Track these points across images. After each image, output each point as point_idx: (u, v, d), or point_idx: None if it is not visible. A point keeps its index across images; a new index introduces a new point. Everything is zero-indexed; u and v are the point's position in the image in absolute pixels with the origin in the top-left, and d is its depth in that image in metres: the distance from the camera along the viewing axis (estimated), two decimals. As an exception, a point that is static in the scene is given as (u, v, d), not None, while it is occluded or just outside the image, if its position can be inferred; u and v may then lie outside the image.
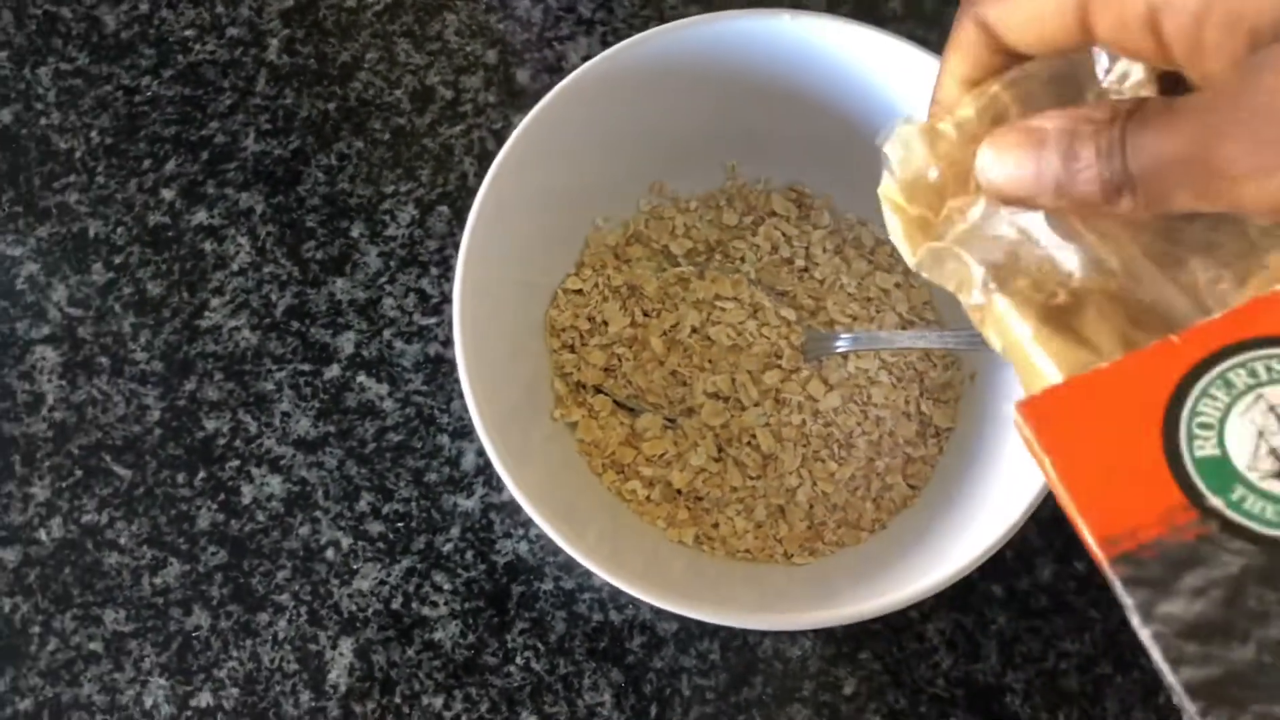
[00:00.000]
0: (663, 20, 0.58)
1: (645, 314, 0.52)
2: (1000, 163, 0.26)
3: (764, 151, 0.53)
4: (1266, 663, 0.23)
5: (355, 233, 0.55)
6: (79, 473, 0.52)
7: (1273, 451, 0.24)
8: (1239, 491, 0.24)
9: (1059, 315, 0.28)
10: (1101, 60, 0.29)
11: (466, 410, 0.45)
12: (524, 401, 0.50)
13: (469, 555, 0.51)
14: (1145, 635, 0.24)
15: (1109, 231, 0.28)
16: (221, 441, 0.53)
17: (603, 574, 0.42)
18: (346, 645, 0.50)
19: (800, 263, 0.52)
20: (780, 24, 0.46)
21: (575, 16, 0.58)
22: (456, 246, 0.55)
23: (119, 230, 0.55)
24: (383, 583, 0.51)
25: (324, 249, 0.55)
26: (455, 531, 0.51)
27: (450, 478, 0.52)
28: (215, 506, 0.52)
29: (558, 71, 0.57)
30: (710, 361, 0.50)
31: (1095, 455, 0.25)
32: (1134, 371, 0.25)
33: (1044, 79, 0.28)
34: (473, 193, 0.55)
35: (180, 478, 0.52)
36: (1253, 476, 0.24)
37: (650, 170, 0.53)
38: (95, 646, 0.50)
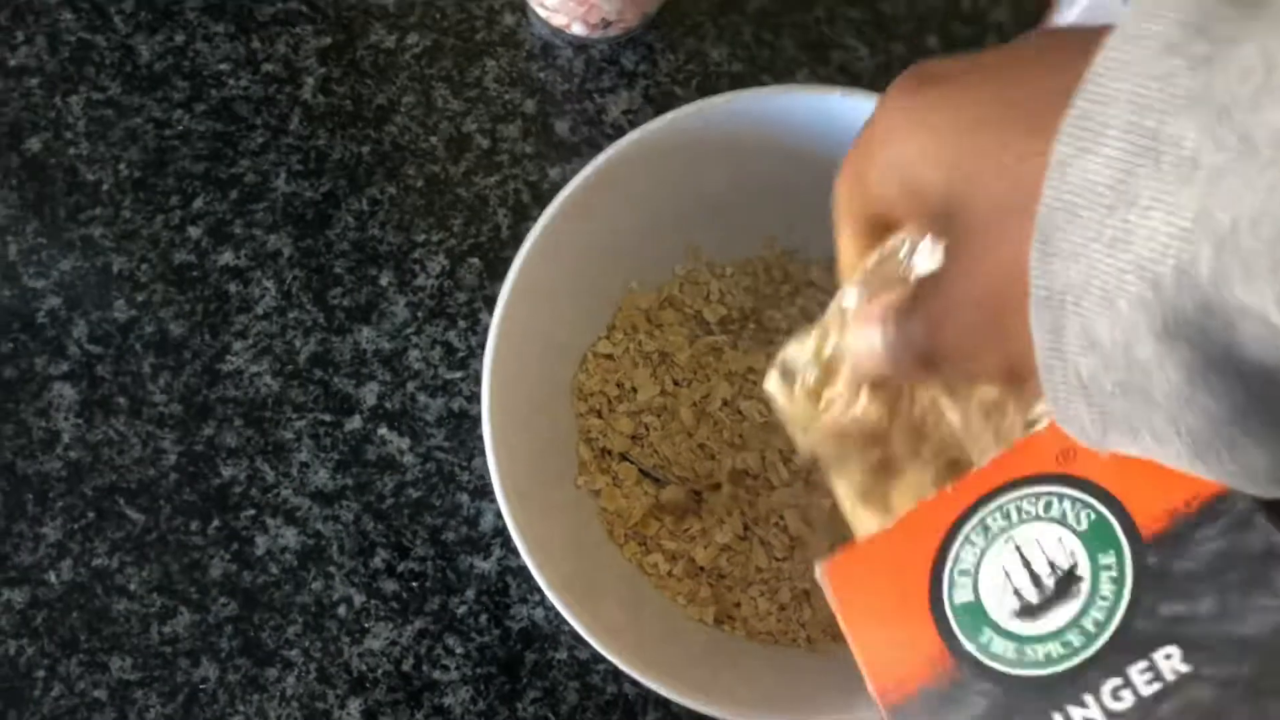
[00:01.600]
0: (706, 76, 0.57)
1: (676, 383, 0.51)
2: (853, 344, 0.29)
3: (805, 222, 0.51)
4: None
5: (384, 281, 0.54)
6: (91, 514, 0.51)
7: (1016, 591, 0.26)
8: (987, 634, 0.26)
9: (875, 487, 0.30)
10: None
11: (487, 469, 0.44)
12: (547, 465, 0.49)
13: (483, 619, 0.50)
14: None
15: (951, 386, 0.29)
16: (238, 489, 0.52)
17: (614, 658, 0.41)
18: (355, 706, 0.49)
19: (836, 337, 0.51)
20: (831, 101, 0.46)
21: (618, 69, 0.57)
22: (486, 300, 0.54)
23: (143, 267, 0.54)
24: (394, 643, 0.50)
25: (351, 296, 0.54)
26: (470, 594, 0.50)
27: (468, 538, 0.51)
28: (228, 556, 0.51)
29: (597, 124, 0.56)
30: (740, 437, 0.49)
31: (877, 609, 0.27)
32: (914, 527, 0.27)
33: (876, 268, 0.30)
34: (505, 245, 0.55)
35: (194, 525, 0.51)
36: (999, 618, 0.26)
37: (688, 235, 0.52)
38: (100, 694, 0.49)
